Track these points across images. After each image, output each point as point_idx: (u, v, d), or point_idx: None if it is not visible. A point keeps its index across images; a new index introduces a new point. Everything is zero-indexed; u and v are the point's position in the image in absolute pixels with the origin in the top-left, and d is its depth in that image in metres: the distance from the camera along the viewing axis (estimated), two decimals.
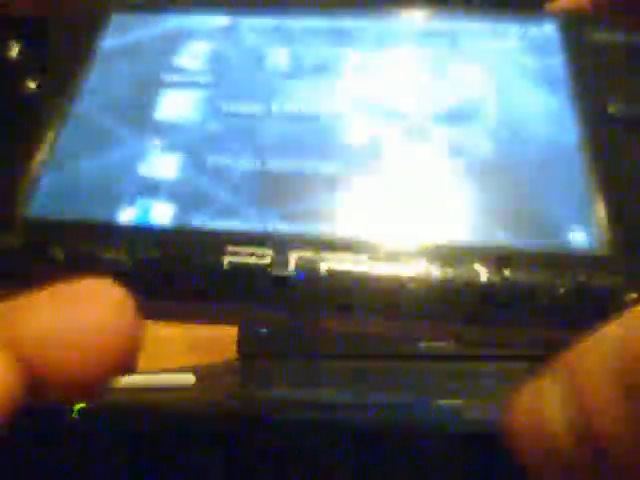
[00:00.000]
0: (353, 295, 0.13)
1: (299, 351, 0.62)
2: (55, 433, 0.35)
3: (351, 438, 0.30)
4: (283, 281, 0.13)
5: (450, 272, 0.13)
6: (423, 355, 0.57)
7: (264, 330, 0.62)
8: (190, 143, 0.16)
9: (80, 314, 0.12)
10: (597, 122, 0.15)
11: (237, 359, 0.64)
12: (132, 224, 0.15)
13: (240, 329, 0.65)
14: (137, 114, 0.17)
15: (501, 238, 0.14)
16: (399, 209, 0.15)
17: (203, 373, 0.48)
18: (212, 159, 0.16)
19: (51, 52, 0.17)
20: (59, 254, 0.14)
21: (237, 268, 0.13)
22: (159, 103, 0.17)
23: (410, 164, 0.15)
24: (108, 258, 0.14)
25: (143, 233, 0.14)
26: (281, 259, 0.13)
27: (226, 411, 0.37)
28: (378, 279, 0.13)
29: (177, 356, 0.71)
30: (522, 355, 0.53)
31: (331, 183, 0.15)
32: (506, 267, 0.13)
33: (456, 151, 0.15)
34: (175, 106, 0.17)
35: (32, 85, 0.16)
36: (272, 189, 0.15)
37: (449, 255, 0.13)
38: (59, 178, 0.15)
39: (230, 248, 0.14)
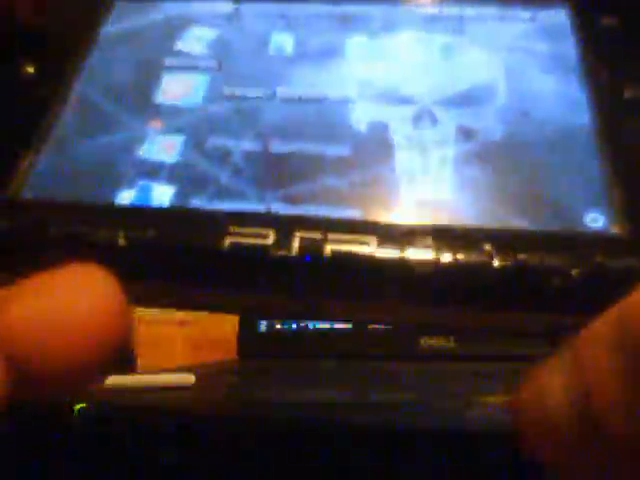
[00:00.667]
0: (358, 279, 0.13)
1: (299, 351, 0.62)
2: (55, 433, 0.35)
3: (351, 438, 0.30)
4: (285, 262, 0.13)
5: (460, 256, 0.13)
6: (423, 355, 0.57)
7: (263, 322, 0.62)
8: (192, 126, 0.16)
9: (68, 301, 0.12)
10: (612, 106, 0.15)
11: (237, 359, 0.64)
12: (131, 205, 0.15)
13: (240, 329, 0.65)
14: (138, 97, 0.16)
15: (515, 222, 0.13)
16: (407, 191, 0.14)
17: (203, 373, 0.48)
18: (213, 141, 0.16)
19: (52, 36, 0.17)
20: (56, 235, 0.14)
21: (238, 249, 0.13)
22: (161, 86, 0.17)
23: (417, 147, 0.15)
24: (105, 239, 0.13)
25: (141, 213, 0.14)
26: (284, 240, 0.13)
27: (226, 411, 0.37)
28: (385, 262, 0.13)
29: (177, 356, 0.71)
30: (522, 355, 0.53)
31: (336, 165, 0.15)
32: (519, 250, 0.13)
33: (466, 134, 0.15)
34: (177, 89, 0.17)
35: (31, 69, 0.16)
36: (275, 171, 0.15)
37: (459, 238, 0.13)
38: (58, 160, 0.15)
39: (231, 228, 0.13)
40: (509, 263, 0.13)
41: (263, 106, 0.16)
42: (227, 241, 0.13)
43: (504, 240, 0.13)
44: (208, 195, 0.14)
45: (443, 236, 0.13)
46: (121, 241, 0.13)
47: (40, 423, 0.36)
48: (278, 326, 0.62)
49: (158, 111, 0.16)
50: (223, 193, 0.14)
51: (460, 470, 0.28)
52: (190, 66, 0.17)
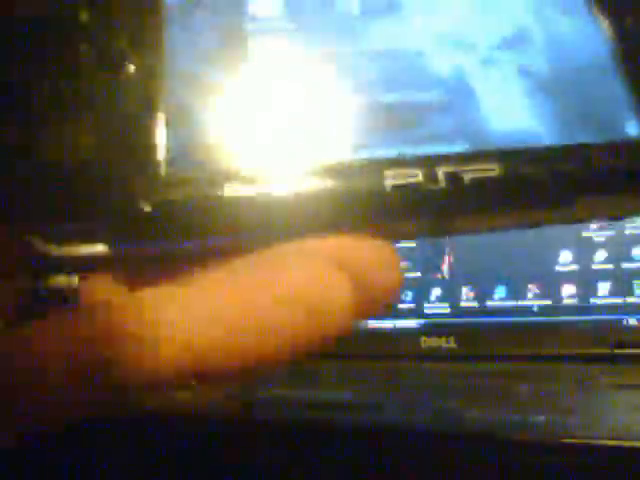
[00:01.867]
0: (490, 198, 0.16)
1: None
2: (55, 433, 0.35)
3: (351, 438, 0.31)
4: (434, 193, 0.15)
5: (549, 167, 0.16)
6: (423, 355, 0.57)
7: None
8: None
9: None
10: (626, 32, 0.18)
11: None
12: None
13: None
14: (230, 64, 0.17)
15: (580, 138, 0.16)
16: (497, 125, 0.17)
17: None
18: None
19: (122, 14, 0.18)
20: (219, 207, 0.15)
21: (398, 188, 0.15)
22: (249, 52, 0.17)
23: (491, 86, 0.17)
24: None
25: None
26: (430, 176, 0.15)
27: (226, 411, 0.37)
28: (509, 181, 0.16)
29: None
30: (522, 355, 0.53)
31: (437, 109, 0.17)
32: (590, 159, 0.16)
33: (523, 73, 0.17)
34: (264, 54, 0.17)
35: (122, 56, 0.17)
36: (390, 119, 0.16)
37: (539, 158, 0.16)
38: (185, 135, 0.16)
39: (387, 172, 0.15)
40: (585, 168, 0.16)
41: (348, 62, 0.17)
42: (388, 183, 0.15)
43: (578, 153, 0.16)
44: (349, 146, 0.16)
45: (538, 154, 0.16)
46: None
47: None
48: None
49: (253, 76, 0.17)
50: (355, 145, 0.16)
51: (460, 470, 0.28)
52: (270, 29, 0.18)
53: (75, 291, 0.13)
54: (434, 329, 0.57)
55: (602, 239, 0.54)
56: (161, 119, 0.16)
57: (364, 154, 0.16)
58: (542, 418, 0.31)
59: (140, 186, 0.14)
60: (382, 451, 0.30)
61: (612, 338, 0.50)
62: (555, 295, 0.54)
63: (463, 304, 0.57)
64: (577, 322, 0.53)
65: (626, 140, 0.16)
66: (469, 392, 0.41)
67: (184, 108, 0.16)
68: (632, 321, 0.51)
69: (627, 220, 0.53)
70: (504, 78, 0.17)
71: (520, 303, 0.55)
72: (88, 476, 0.34)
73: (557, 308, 0.53)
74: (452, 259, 0.58)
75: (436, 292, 0.58)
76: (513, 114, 0.17)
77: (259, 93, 0.17)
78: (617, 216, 0.17)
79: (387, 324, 0.59)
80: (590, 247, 0.54)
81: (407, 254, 0.59)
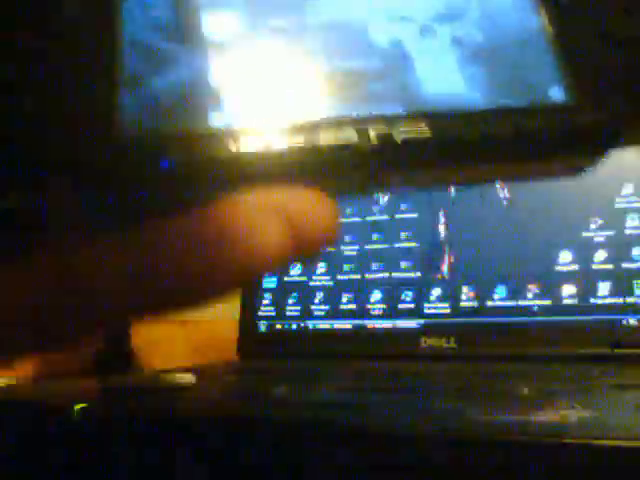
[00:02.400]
0: (422, 156, 0.17)
1: (299, 351, 0.62)
2: (56, 433, 0.35)
3: (351, 438, 0.31)
4: (367, 152, 0.17)
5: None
6: (423, 355, 0.57)
7: (263, 322, 0.62)
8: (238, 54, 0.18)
9: None
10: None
11: (237, 359, 0.64)
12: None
13: (240, 329, 0.65)
14: (183, 34, 0.18)
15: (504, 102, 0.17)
16: (429, 90, 0.18)
17: (203, 373, 0.48)
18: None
19: None
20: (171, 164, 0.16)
21: (333, 147, 0.17)
22: (202, 22, 0.18)
23: (428, 56, 0.18)
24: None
25: None
26: (365, 135, 0.17)
27: (226, 411, 0.37)
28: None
29: (177, 356, 0.71)
30: (522, 355, 0.53)
31: (372, 75, 0.18)
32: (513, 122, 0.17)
33: (457, 43, 0.18)
34: (218, 24, 0.19)
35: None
36: (327, 86, 0.18)
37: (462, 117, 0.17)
38: (137, 98, 0.16)
39: (324, 133, 0.17)
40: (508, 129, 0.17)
41: (297, 33, 0.19)
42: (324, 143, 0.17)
43: (502, 115, 0.17)
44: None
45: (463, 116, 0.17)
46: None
47: (41, 423, 0.36)
48: (278, 326, 0.62)
49: (206, 45, 0.18)
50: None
51: (460, 470, 0.28)
52: (223, 3, 0.19)
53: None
54: (434, 329, 0.57)
55: (602, 239, 0.54)
56: (117, 84, 0.17)
57: (305, 117, 0.17)
58: (542, 418, 0.31)
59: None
60: (382, 451, 0.30)
61: (612, 338, 0.50)
62: (555, 295, 0.54)
63: (463, 304, 0.57)
64: (577, 322, 0.53)
65: (550, 104, 0.17)
66: (469, 392, 0.41)
67: (138, 75, 0.17)
68: (632, 321, 0.51)
69: (627, 220, 0.53)
70: (439, 48, 0.19)
71: (520, 303, 0.55)
72: (88, 476, 0.35)
73: (557, 308, 0.53)
74: (452, 259, 0.58)
75: (436, 292, 0.58)
76: (446, 80, 0.18)
77: (209, 61, 0.18)
78: (541, 178, 0.18)
79: (387, 324, 0.59)
80: (590, 247, 0.54)
81: (407, 254, 0.59)
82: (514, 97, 0.18)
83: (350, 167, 0.17)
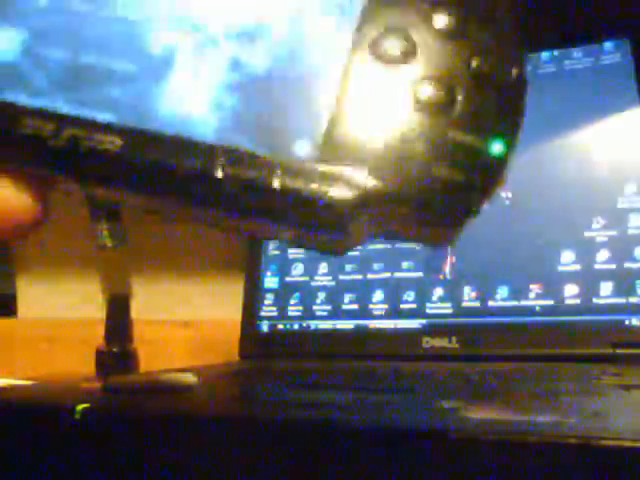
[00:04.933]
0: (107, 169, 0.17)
1: (299, 351, 0.62)
2: (56, 433, 0.35)
3: (351, 438, 0.30)
4: (52, 149, 0.16)
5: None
6: (425, 355, 0.57)
7: (264, 323, 0.62)
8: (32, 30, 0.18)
9: None
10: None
11: (238, 360, 0.64)
12: None
13: (242, 330, 0.65)
14: None
15: (244, 144, 0.16)
16: (170, 107, 0.17)
17: (203, 373, 0.48)
18: (42, 51, 0.18)
19: None
20: None
21: (26, 136, 0.17)
22: None
23: (192, 71, 0.17)
24: None
25: None
26: (59, 132, 0.16)
27: (226, 411, 0.37)
28: (124, 158, 0.17)
29: (177, 356, 0.71)
30: (524, 355, 0.53)
31: (118, 77, 0.17)
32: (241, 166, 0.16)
33: (235, 66, 0.17)
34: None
35: None
36: (74, 77, 0.17)
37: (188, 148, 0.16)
38: None
39: (26, 120, 0.17)
40: (232, 173, 0.16)
41: (75, 22, 0.18)
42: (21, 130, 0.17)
43: (231, 156, 0.16)
44: (22, 92, 0.17)
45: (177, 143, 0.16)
46: None
47: (41, 423, 0.36)
48: (280, 326, 0.62)
49: None
50: (34, 93, 0.17)
51: (460, 471, 0.28)
52: None
53: None
54: (436, 329, 0.57)
55: (604, 239, 0.53)
56: None
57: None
58: (542, 418, 0.31)
59: None
60: (382, 451, 0.30)
61: (614, 338, 0.50)
62: (557, 295, 0.54)
63: (465, 304, 0.57)
64: (579, 322, 0.52)
65: (294, 161, 0.16)
66: (471, 392, 0.41)
67: None
68: (634, 321, 0.51)
69: (630, 220, 0.53)
70: (212, 65, 0.17)
71: (522, 303, 0.55)
72: (88, 476, 0.34)
73: (559, 308, 0.53)
74: (454, 259, 0.58)
75: (438, 292, 0.58)
76: (190, 102, 0.17)
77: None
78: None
79: (389, 324, 0.59)
80: (592, 247, 0.53)
81: (409, 254, 0.59)
82: (249, 140, 0.16)
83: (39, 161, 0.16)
